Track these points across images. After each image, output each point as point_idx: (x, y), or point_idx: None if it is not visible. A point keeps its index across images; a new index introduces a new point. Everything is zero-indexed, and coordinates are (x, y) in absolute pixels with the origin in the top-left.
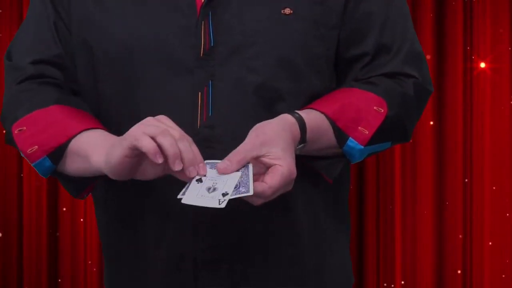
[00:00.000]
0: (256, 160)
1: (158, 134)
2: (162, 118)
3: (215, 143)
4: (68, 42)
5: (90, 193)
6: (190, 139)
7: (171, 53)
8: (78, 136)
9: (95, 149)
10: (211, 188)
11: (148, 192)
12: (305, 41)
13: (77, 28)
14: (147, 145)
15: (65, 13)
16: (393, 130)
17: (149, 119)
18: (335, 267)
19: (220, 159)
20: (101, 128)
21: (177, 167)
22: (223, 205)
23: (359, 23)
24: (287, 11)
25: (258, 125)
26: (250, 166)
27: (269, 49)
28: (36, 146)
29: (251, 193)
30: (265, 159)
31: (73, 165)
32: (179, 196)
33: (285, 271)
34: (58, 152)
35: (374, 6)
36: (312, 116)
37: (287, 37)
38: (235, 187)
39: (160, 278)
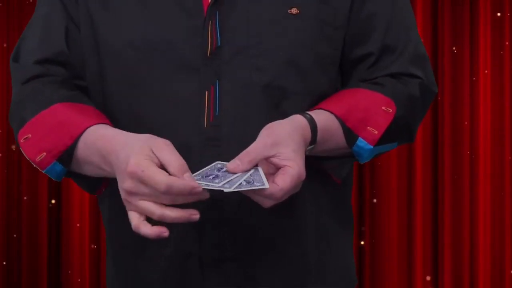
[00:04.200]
0: (266, 160)
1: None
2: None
3: (222, 142)
4: (77, 41)
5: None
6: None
7: (178, 53)
8: (85, 134)
9: (102, 156)
10: (224, 183)
11: None
12: (312, 41)
13: (85, 28)
14: (148, 232)
15: (75, 12)
16: (400, 131)
17: (132, 168)
18: (338, 268)
19: (226, 158)
20: (104, 123)
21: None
22: (228, 190)
23: (364, 24)
24: (294, 11)
25: (269, 125)
26: (260, 168)
27: (276, 48)
28: (44, 153)
29: (266, 186)
30: (275, 160)
31: (84, 166)
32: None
33: (290, 270)
34: (67, 155)
35: (379, 7)
36: (322, 117)
37: (293, 37)
38: (248, 183)
39: (166, 277)
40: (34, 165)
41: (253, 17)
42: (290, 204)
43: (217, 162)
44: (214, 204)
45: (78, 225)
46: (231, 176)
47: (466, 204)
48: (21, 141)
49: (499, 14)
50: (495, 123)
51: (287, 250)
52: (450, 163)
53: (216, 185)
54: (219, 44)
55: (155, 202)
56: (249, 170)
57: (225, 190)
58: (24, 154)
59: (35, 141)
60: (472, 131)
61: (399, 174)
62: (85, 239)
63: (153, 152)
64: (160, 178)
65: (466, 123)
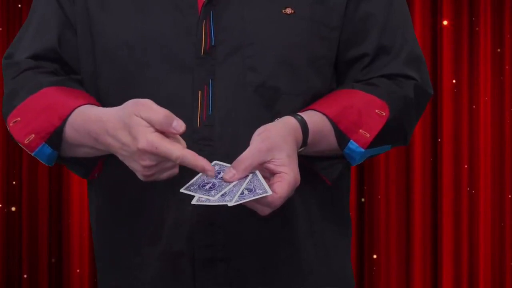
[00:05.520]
0: (261, 165)
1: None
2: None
3: (215, 142)
4: (71, 40)
5: (100, 173)
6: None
7: (171, 51)
8: (72, 115)
9: (93, 138)
10: (223, 194)
11: (147, 188)
12: (306, 41)
13: (82, 27)
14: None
15: (71, 12)
16: (393, 134)
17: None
18: (334, 271)
19: (220, 159)
20: (92, 103)
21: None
22: (232, 204)
23: (359, 24)
24: (288, 10)
25: (262, 128)
26: (257, 172)
27: (270, 48)
28: (33, 135)
29: (269, 192)
30: (270, 165)
31: (75, 148)
32: (192, 202)
33: (282, 271)
34: (56, 136)
35: (374, 7)
36: (314, 119)
37: (287, 37)
38: (250, 191)
39: (158, 276)
40: (24, 148)
41: (248, 17)
42: (281, 205)
43: (214, 162)
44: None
45: (78, 271)
46: (229, 185)
47: (465, 259)
48: (10, 124)
49: (499, 50)
50: (495, 160)
51: (279, 251)
52: (451, 206)
53: (215, 198)
54: (213, 44)
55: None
56: (246, 176)
57: (230, 204)
58: (13, 137)
59: (24, 124)
60: (472, 168)
61: (399, 229)
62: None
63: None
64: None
65: (466, 166)
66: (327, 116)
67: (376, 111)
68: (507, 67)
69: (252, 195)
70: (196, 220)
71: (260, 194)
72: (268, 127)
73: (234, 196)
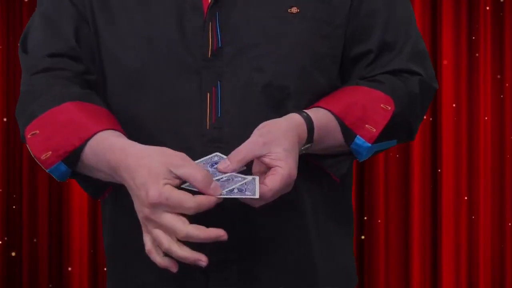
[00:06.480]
0: (258, 159)
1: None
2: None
3: (224, 143)
4: (87, 35)
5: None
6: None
7: (178, 54)
8: (93, 140)
9: (112, 168)
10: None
11: None
12: (312, 40)
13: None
14: (158, 260)
15: (82, 7)
16: (399, 128)
17: (153, 200)
18: (339, 269)
19: None
20: (114, 129)
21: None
22: (219, 197)
23: (363, 21)
24: (294, 10)
25: (264, 123)
26: (257, 178)
27: (276, 48)
28: (50, 152)
29: (256, 196)
30: (266, 159)
31: (92, 171)
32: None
33: (293, 271)
34: (73, 156)
35: (377, 4)
36: (319, 115)
37: (293, 36)
38: (240, 191)
39: (170, 279)
40: (39, 163)
41: (253, 17)
42: (291, 205)
43: (215, 154)
44: (216, 206)
45: None
46: (221, 175)
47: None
48: (28, 136)
49: (499, 76)
50: (495, 186)
51: (291, 251)
52: (451, 238)
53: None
54: (220, 45)
55: (166, 235)
56: (246, 178)
57: (217, 196)
58: (30, 150)
59: (42, 139)
60: (472, 197)
61: (398, 261)
62: None
63: (171, 171)
64: (189, 201)
65: (465, 197)
66: (332, 113)
67: (381, 105)
68: (507, 84)
69: (239, 194)
70: (207, 222)
71: (247, 196)
72: (269, 122)
73: (222, 191)
